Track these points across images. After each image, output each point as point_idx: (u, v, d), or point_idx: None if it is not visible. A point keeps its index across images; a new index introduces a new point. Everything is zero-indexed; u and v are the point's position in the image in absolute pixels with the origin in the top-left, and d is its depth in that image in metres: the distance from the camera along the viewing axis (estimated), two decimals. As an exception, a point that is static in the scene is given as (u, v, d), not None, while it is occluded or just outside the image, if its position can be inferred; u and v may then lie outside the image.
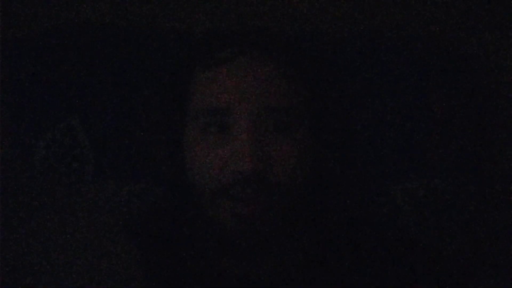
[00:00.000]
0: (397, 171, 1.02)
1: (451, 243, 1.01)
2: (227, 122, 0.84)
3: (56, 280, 0.82)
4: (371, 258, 0.89)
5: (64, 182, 1.02)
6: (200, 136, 0.85)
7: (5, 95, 1.03)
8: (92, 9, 1.11)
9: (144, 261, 0.86)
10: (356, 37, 1.06)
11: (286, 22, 1.11)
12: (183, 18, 1.11)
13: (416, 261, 0.90)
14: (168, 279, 0.88)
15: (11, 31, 1.10)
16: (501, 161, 1.09)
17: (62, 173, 1.02)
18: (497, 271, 1.04)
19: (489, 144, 1.08)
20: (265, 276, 0.88)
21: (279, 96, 0.85)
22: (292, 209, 0.86)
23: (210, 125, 0.85)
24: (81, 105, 1.03)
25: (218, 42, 0.88)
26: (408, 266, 0.89)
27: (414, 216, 1.01)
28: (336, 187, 0.97)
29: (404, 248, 0.91)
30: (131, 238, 0.88)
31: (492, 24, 1.11)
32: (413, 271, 0.89)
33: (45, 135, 1.02)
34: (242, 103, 0.83)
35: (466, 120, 1.04)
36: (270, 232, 0.85)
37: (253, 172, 0.81)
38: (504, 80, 1.09)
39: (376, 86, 1.03)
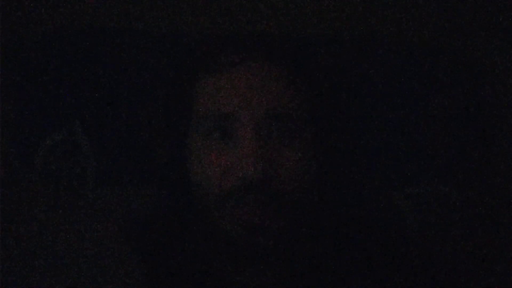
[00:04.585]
0: (401, 177, 1.02)
1: (455, 248, 1.01)
2: (231, 128, 0.84)
3: (57, 284, 0.81)
4: (375, 264, 0.89)
5: (66, 187, 1.02)
6: (203, 141, 0.85)
7: (6, 99, 1.03)
8: (95, 12, 1.11)
9: (146, 267, 0.86)
10: (360, 42, 1.06)
11: (290, 27, 1.11)
12: (187, 22, 1.11)
13: (420, 266, 0.90)
14: (170, 285, 0.88)
15: (13, 35, 1.10)
16: (505, 166, 1.08)
17: (64, 178, 1.02)
18: (502, 277, 1.03)
19: (493, 149, 1.07)
20: (269, 283, 0.88)
21: (283, 102, 0.84)
22: (296, 216, 0.86)
23: (214, 130, 0.85)
24: (83, 110, 1.02)
25: (223, 47, 0.87)
26: (412, 271, 0.89)
27: (417, 222, 1.01)
28: (340, 193, 0.97)
29: (408, 254, 0.91)
30: (133, 244, 0.88)
31: (497, 29, 1.11)
32: (417, 276, 0.89)
33: (46, 140, 1.02)
34: (246, 109, 0.83)
35: (470, 125, 1.04)
36: (274, 239, 0.84)
37: (257, 179, 0.81)
38: (509, 86, 1.09)
39: (380, 91, 1.03)
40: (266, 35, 0.91)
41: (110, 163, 1.02)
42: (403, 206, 1.01)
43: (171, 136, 0.90)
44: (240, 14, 1.11)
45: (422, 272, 0.89)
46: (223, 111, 0.84)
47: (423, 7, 1.12)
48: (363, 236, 0.92)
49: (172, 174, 0.91)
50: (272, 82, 0.85)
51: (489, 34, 1.11)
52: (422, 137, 1.02)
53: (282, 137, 0.84)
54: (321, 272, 0.89)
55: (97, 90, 1.03)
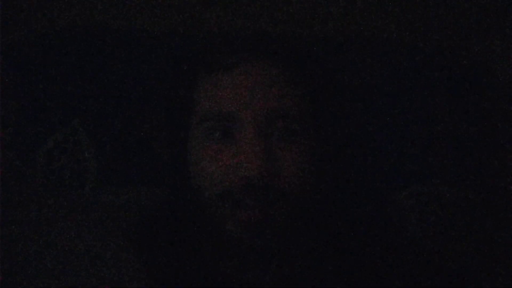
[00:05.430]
0: (403, 177, 1.02)
1: (456, 248, 1.01)
2: (232, 128, 0.84)
3: (57, 284, 0.81)
4: (376, 263, 0.89)
5: (67, 186, 1.02)
6: (204, 140, 0.85)
7: (7, 99, 1.03)
8: (97, 12, 1.11)
9: (146, 266, 0.86)
10: (361, 43, 1.06)
11: (291, 27, 1.11)
12: (187, 22, 1.11)
13: (421, 266, 0.90)
14: (170, 285, 0.88)
15: (13, 33, 1.10)
16: (505, 166, 1.08)
17: (65, 177, 1.02)
18: (502, 277, 1.03)
19: (494, 149, 1.07)
20: (269, 282, 0.88)
21: (285, 102, 0.84)
22: (297, 216, 0.86)
23: (215, 130, 0.85)
24: (84, 109, 1.03)
25: (224, 47, 0.87)
26: (414, 271, 0.89)
27: (419, 222, 1.01)
28: (341, 193, 0.97)
29: (410, 253, 0.91)
30: (133, 243, 0.88)
31: (497, 31, 1.11)
32: (419, 276, 0.89)
33: (48, 139, 1.02)
34: (247, 108, 0.83)
35: (471, 126, 1.04)
36: (275, 238, 0.84)
37: (258, 178, 0.81)
38: (509, 86, 1.09)
39: (381, 92, 1.03)
40: (267, 35, 0.92)
41: (110, 163, 1.02)
42: (403, 206, 1.01)
43: (172, 136, 0.90)
44: (240, 14, 1.11)
45: (422, 272, 0.89)
46: (224, 111, 0.84)
47: (424, 7, 1.12)
48: (363, 235, 0.92)
49: (173, 174, 0.91)
50: (273, 82, 0.84)
51: (489, 34, 1.11)
52: (422, 137, 1.02)
53: (283, 137, 0.84)
54: (321, 271, 0.89)
55: (97, 90, 1.03)
